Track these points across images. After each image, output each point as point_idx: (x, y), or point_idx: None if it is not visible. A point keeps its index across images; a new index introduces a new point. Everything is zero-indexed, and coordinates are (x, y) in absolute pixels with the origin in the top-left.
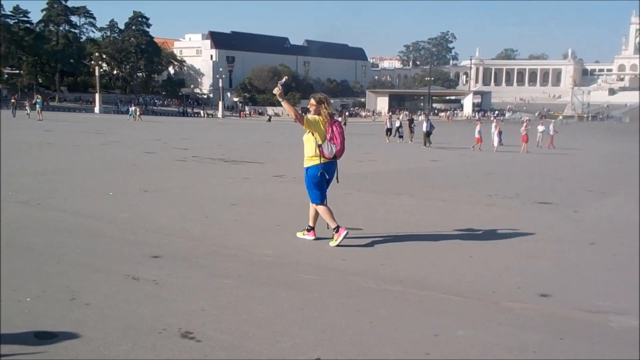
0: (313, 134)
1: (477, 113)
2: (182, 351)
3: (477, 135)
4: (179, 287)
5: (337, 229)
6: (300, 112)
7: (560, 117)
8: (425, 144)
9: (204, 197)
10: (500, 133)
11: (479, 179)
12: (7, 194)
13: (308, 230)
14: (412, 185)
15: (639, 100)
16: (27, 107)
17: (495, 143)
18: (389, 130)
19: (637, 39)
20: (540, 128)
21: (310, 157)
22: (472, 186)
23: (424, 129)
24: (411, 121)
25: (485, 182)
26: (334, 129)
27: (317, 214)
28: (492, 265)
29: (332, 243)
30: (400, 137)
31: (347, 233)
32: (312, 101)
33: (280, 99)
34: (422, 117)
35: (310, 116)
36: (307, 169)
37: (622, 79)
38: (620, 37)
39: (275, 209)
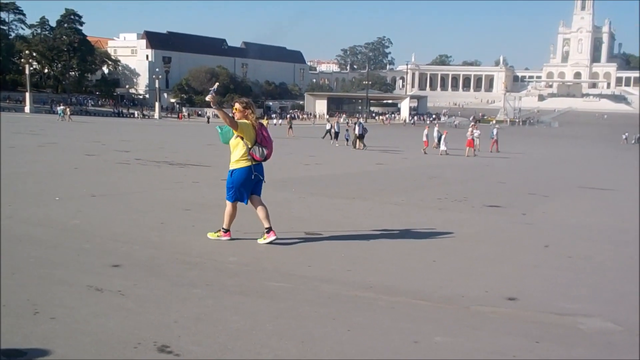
0: (242, 138)
1: (421, 117)
2: None
3: (424, 139)
4: (147, 297)
5: (269, 228)
6: (232, 117)
7: (494, 121)
8: (355, 146)
9: (156, 202)
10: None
11: (426, 183)
12: None
13: (268, 232)
14: (362, 189)
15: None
16: None
17: (443, 146)
18: (336, 134)
19: (565, 47)
20: (477, 132)
21: (237, 160)
22: (421, 190)
23: (356, 131)
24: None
25: (433, 186)
26: (264, 132)
27: (267, 212)
28: (456, 270)
29: (261, 240)
30: (346, 139)
31: (275, 239)
32: (238, 106)
33: (213, 107)
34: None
35: (241, 121)
36: (234, 171)
37: (550, 86)
38: (549, 46)
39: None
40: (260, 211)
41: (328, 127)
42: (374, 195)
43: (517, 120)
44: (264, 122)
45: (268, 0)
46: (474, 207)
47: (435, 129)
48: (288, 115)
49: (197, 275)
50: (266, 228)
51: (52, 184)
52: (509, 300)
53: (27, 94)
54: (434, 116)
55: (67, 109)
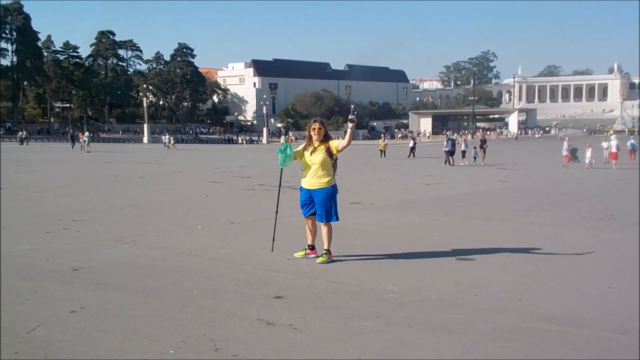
0: (332, 157)
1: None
2: None
3: (564, 153)
4: (320, 332)
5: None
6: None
7: (611, 131)
8: (445, 163)
9: (293, 228)
10: (575, 150)
11: (560, 199)
12: (99, 231)
13: (311, 249)
14: (496, 208)
15: None
16: (83, 139)
17: (587, 160)
18: (463, 153)
19: None
20: (604, 144)
21: (331, 177)
22: (559, 208)
23: (446, 148)
24: (483, 142)
25: (570, 203)
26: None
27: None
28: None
29: (321, 260)
30: (474, 158)
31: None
32: (318, 125)
33: (350, 126)
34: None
35: (334, 141)
36: (334, 186)
37: None
38: None
39: (373, 239)
40: (327, 230)
41: (463, 147)
42: (511, 215)
43: (636, 130)
44: (382, 144)
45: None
46: (626, 226)
47: (565, 144)
48: (410, 134)
49: (362, 307)
50: (327, 249)
51: (189, 213)
52: None
53: (145, 125)
54: (541, 130)
55: (171, 138)
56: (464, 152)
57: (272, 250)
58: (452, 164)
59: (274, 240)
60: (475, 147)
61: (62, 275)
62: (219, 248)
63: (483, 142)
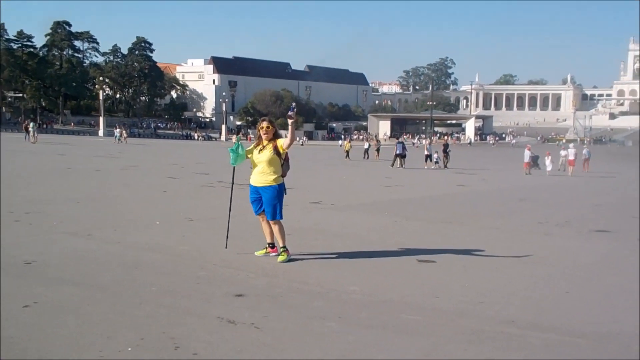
0: (279, 156)
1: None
2: None
3: (526, 160)
4: (282, 331)
5: (285, 248)
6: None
7: (564, 140)
8: (393, 165)
9: (253, 226)
10: (536, 157)
11: (517, 206)
12: (53, 224)
13: (272, 248)
14: (455, 212)
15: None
16: (31, 130)
17: (548, 167)
18: (428, 157)
19: (636, 64)
20: (563, 152)
21: (278, 176)
22: (516, 213)
23: (397, 151)
24: (446, 146)
25: (527, 209)
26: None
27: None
28: (596, 302)
29: (281, 259)
30: (436, 162)
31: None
32: (266, 124)
33: (291, 125)
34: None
35: (281, 139)
36: (281, 185)
37: (621, 104)
38: (619, 63)
39: (334, 239)
40: (275, 226)
41: (427, 151)
42: (469, 220)
43: (587, 139)
44: (347, 144)
45: (330, 24)
46: (581, 233)
47: (527, 151)
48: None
49: (324, 307)
50: (282, 247)
51: (148, 208)
52: None
53: (101, 119)
54: (497, 137)
55: (123, 132)
56: (428, 157)
57: (226, 247)
58: (400, 166)
59: (227, 237)
60: (436, 152)
61: (15, 268)
62: (178, 244)
63: (446, 146)
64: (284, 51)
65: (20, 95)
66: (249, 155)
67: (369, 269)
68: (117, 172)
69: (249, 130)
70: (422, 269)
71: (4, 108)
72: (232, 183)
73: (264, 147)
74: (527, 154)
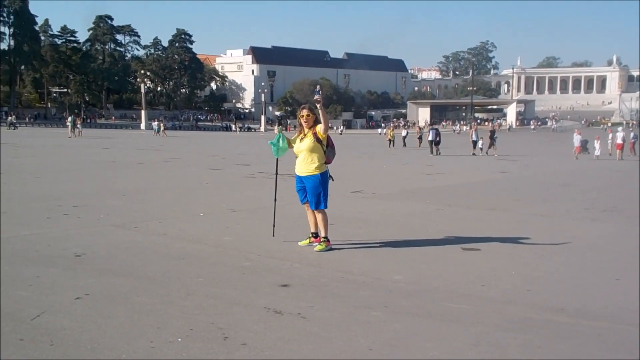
0: (321, 143)
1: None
2: None
3: (576, 144)
4: (329, 321)
5: (327, 238)
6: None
7: (609, 124)
8: (431, 152)
9: (296, 216)
10: (586, 142)
11: (561, 191)
12: (100, 217)
13: (315, 237)
14: (498, 199)
15: None
16: (78, 125)
17: (596, 152)
18: (474, 143)
19: None
20: (610, 136)
21: (322, 164)
22: (560, 199)
23: (430, 137)
24: (493, 133)
25: (572, 194)
26: (328, 138)
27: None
28: None
29: (318, 248)
30: (480, 149)
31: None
32: (306, 112)
33: (319, 107)
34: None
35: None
36: (324, 173)
37: None
38: None
39: (377, 228)
40: (320, 215)
41: (474, 137)
42: (513, 206)
43: (633, 122)
44: (390, 132)
45: (369, 10)
46: (629, 218)
47: (576, 135)
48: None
49: (370, 296)
50: (324, 237)
51: (191, 199)
52: None
53: (143, 112)
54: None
55: (161, 125)
56: (474, 143)
57: (273, 235)
58: (436, 153)
59: (274, 225)
60: (482, 138)
61: (65, 261)
62: (222, 235)
63: (493, 132)
64: (322, 39)
65: (65, 90)
66: (292, 145)
67: (412, 258)
68: (160, 164)
69: (287, 120)
70: (467, 256)
71: (49, 103)
72: (276, 174)
73: (305, 135)
74: (577, 138)
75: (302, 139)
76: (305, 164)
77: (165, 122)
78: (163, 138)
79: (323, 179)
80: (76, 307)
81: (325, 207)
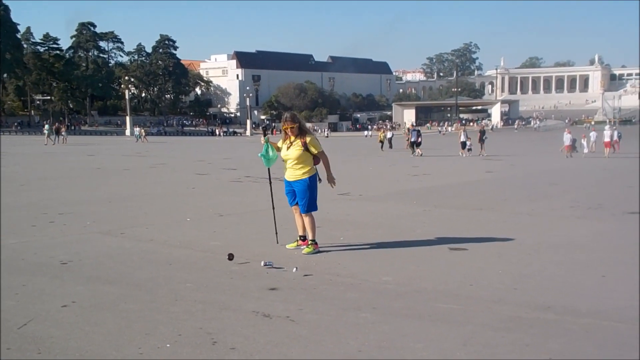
0: (309, 150)
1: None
2: None
3: (567, 143)
4: (317, 324)
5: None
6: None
7: (592, 122)
8: (413, 153)
9: (284, 220)
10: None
11: (548, 190)
12: (86, 224)
13: (303, 240)
14: (485, 199)
15: None
16: (63, 133)
17: (586, 150)
18: (463, 144)
19: None
20: (593, 135)
21: (311, 168)
22: (547, 198)
23: (412, 138)
24: (482, 133)
25: (558, 193)
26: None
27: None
28: (635, 286)
29: (306, 251)
30: (469, 150)
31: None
32: (290, 124)
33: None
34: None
35: (313, 139)
36: (312, 177)
37: None
38: None
39: (365, 230)
40: (308, 218)
41: (462, 138)
42: (500, 206)
43: (616, 120)
44: (381, 134)
45: (352, 14)
46: (614, 215)
47: (567, 134)
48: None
49: (358, 298)
50: (312, 240)
51: (178, 205)
52: None
53: (128, 118)
54: (524, 121)
55: (142, 131)
56: (463, 144)
57: (277, 242)
58: (418, 154)
59: (276, 232)
60: (469, 138)
61: (52, 269)
62: (209, 240)
63: (482, 133)
64: (307, 43)
65: (48, 97)
66: (279, 149)
67: (401, 259)
68: (146, 170)
69: (273, 125)
70: (455, 257)
71: (32, 111)
72: (270, 182)
73: (291, 143)
74: (567, 137)
75: (288, 146)
76: (294, 169)
77: (151, 127)
78: (144, 144)
79: (311, 182)
80: (63, 315)
81: (315, 209)
